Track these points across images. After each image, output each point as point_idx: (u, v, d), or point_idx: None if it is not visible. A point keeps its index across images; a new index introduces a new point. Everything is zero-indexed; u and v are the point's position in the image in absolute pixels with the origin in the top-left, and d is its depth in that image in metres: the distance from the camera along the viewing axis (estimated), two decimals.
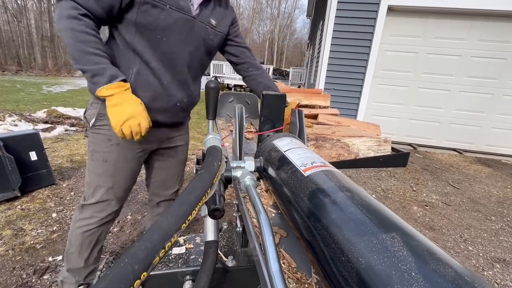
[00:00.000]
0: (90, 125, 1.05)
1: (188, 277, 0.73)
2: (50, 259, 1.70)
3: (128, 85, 0.91)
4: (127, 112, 0.88)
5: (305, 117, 0.95)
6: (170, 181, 1.35)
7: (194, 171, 0.92)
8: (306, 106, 1.54)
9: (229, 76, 14.46)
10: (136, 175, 1.18)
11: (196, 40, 1.06)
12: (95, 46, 0.87)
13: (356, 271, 0.30)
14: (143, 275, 0.31)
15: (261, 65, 1.39)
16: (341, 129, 1.25)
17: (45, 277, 1.56)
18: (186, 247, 0.83)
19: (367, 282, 0.28)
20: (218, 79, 13.60)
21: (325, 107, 1.57)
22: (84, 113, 1.09)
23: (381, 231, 0.33)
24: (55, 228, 2.01)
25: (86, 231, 1.13)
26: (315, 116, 1.49)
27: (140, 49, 0.97)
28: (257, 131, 1.07)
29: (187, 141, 1.33)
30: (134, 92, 0.98)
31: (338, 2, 4.52)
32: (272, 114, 0.89)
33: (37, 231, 1.95)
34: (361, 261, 0.30)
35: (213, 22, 1.10)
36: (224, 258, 0.78)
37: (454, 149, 5.04)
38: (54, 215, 2.16)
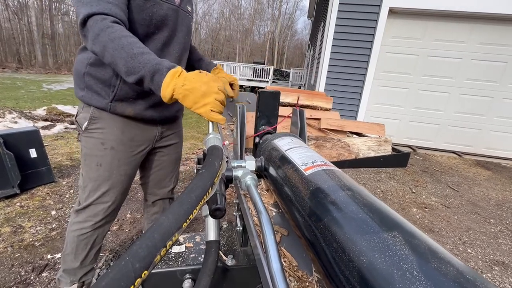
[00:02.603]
0: (83, 128, 1.02)
1: (187, 275, 0.73)
2: (49, 256, 1.70)
3: (178, 69, 0.75)
4: (198, 95, 0.71)
5: (308, 123, 0.96)
6: (165, 180, 1.33)
7: (195, 170, 0.92)
8: (307, 106, 1.54)
9: None
10: (132, 178, 1.15)
11: (181, 30, 1.05)
12: (138, 45, 0.76)
13: (357, 270, 0.30)
14: (144, 274, 0.31)
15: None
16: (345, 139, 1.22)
17: (43, 274, 1.56)
18: (186, 246, 0.83)
19: (369, 281, 0.28)
20: None
21: (326, 109, 1.56)
22: (76, 117, 1.06)
23: (383, 229, 0.33)
24: (54, 225, 2.00)
25: (81, 234, 1.11)
26: (316, 120, 1.49)
27: None
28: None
29: (181, 138, 1.32)
30: (125, 90, 0.97)
31: (339, 3, 4.53)
32: (268, 109, 0.94)
33: (36, 229, 1.95)
34: (362, 260, 0.30)
35: (189, 8, 1.09)
36: (224, 257, 0.78)
37: (453, 152, 5.04)
38: (53, 212, 2.16)
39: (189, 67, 1.32)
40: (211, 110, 0.72)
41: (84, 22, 0.78)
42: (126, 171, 1.09)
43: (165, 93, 0.72)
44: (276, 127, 0.95)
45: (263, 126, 0.95)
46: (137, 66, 0.74)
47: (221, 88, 0.74)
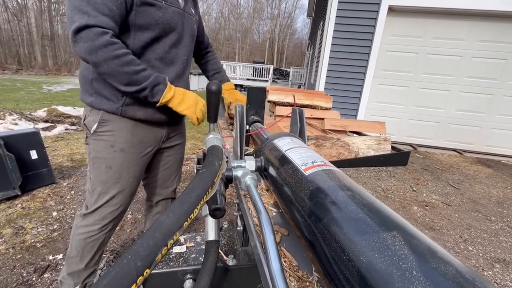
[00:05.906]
0: (91, 131, 1.02)
1: (188, 275, 0.74)
2: (51, 257, 1.70)
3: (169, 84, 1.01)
4: (191, 102, 1.04)
5: (308, 123, 0.96)
6: (170, 180, 1.35)
7: (195, 170, 0.92)
8: (307, 106, 1.54)
9: (229, 76, 14.43)
10: (139, 180, 1.16)
11: (187, 33, 1.08)
12: (138, 62, 0.90)
13: (357, 270, 0.30)
14: (146, 272, 0.31)
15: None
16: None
17: (45, 275, 1.56)
18: (186, 246, 0.83)
19: (368, 280, 0.28)
20: None
21: (326, 109, 1.56)
22: (84, 120, 1.06)
23: (382, 229, 0.33)
24: (55, 226, 2.01)
25: (88, 237, 1.11)
26: (317, 119, 1.49)
27: (140, 50, 0.96)
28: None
29: (184, 139, 1.34)
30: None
31: (338, 2, 4.52)
32: (255, 102, 1.16)
33: (38, 230, 1.96)
34: (362, 259, 0.30)
35: (193, 10, 1.12)
36: (225, 257, 0.78)
37: (454, 150, 5.04)
38: (54, 213, 2.17)
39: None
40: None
41: (78, 30, 0.79)
42: (135, 173, 1.10)
43: (167, 95, 0.97)
44: (263, 115, 1.19)
45: (252, 116, 1.16)
46: (140, 80, 0.90)
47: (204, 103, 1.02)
